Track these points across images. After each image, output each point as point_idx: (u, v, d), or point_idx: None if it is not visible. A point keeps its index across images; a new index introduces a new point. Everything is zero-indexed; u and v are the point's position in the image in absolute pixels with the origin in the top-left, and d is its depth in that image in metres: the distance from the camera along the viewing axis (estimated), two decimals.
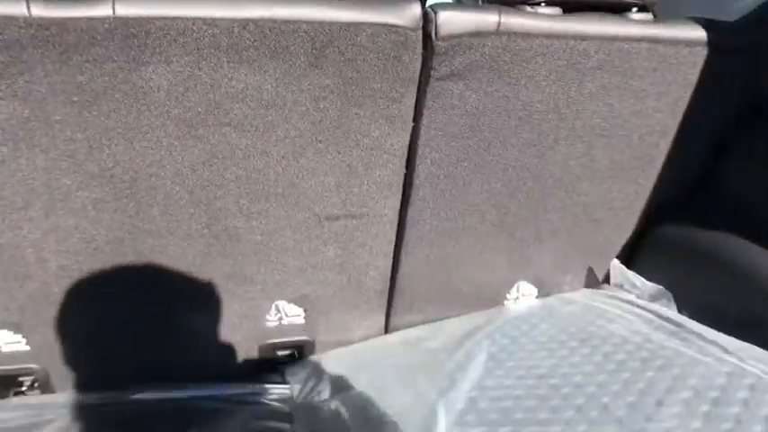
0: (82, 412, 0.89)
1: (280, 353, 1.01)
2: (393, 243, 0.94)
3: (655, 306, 0.97)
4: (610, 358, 0.83)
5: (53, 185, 0.72)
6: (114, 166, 0.72)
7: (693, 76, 0.90)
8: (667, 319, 0.92)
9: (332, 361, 0.94)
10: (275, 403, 0.92)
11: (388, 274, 0.97)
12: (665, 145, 0.99)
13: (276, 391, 0.94)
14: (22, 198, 0.72)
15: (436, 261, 0.98)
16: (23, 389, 0.92)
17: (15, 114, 0.66)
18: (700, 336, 0.85)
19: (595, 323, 0.94)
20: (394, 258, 0.96)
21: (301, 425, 0.82)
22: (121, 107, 0.68)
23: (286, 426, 0.86)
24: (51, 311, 0.83)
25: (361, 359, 0.92)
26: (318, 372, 0.92)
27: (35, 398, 0.91)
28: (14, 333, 0.85)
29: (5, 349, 0.86)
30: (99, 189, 0.74)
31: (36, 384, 0.91)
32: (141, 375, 0.93)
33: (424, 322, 1.04)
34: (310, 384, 0.89)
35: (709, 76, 0.90)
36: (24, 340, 0.86)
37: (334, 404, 0.81)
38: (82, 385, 0.92)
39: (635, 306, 0.98)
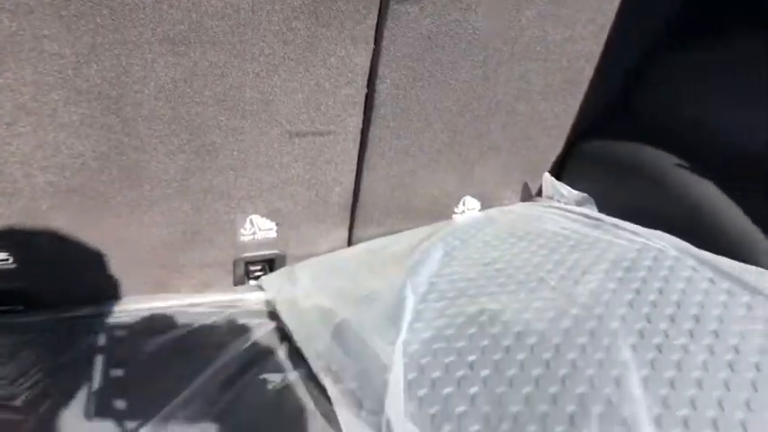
0: (71, 327, 0.95)
1: (252, 267, 1.10)
2: (356, 160, 1.04)
3: (580, 209, 1.13)
4: (543, 247, 0.98)
5: (41, 101, 0.77)
6: (102, 82, 0.78)
7: (616, 3, 1.03)
8: (590, 217, 1.08)
9: (304, 269, 1.04)
10: (255, 306, 1.02)
11: (352, 190, 1.08)
12: (589, 70, 1.13)
13: (254, 297, 1.04)
14: (10, 113, 0.77)
15: (395, 177, 1.09)
16: (8, 308, 0.97)
17: (2, 27, 0.70)
18: (615, 225, 1.02)
19: (531, 224, 1.09)
20: (357, 175, 1.06)
21: (283, 319, 0.92)
22: (108, 23, 0.74)
23: (267, 321, 0.96)
24: (39, 228, 0.88)
25: (331, 263, 1.04)
26: (293, 277, 1.02)
27: (21, 316, 0.97)
28: (1, 251, 0.90)
29: None
30: (86, 105, 0.79)
31: (22, 302, 0.96)
32: (126, 288, 1.00)
33: (382, 235, 1.16)
34: (287, 288, 0.99)
35: (630, 5, 1.04)
36: (11, 258, 0.91)
37: (311, 300, 0.92)
38: (70, 301, 0.98)
39: (564, 210, 1.14)
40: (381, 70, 0.93)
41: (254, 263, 1.09)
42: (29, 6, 0.70)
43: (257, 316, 0.98)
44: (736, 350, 0.74)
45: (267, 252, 1.08)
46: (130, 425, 0.76)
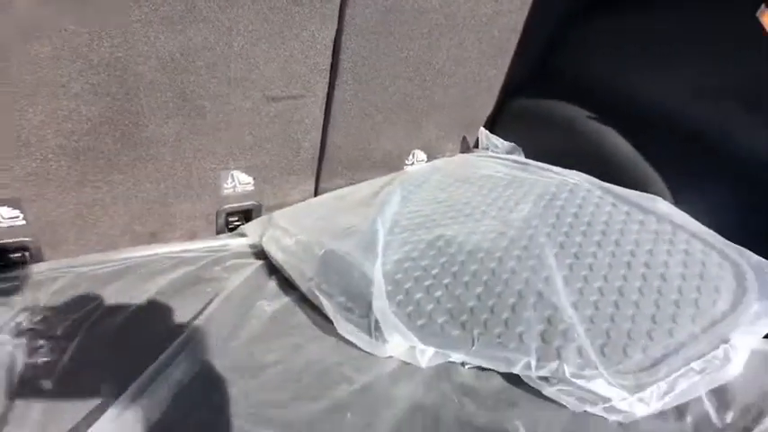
0: (75, 276, 1.06)
1: (231, 218, 1.25)
2: (322, 120, 1.20)
3: (511, 156, 1.35)
4: (483, 187, 1.19)
5: (58, 72, 0.88)
6: (110, 55, 0.89)
7: None
8: (519, 162, 1.30)
9: (281, 216, 1.20)
10: (240, 249, 1.17)
11: (319, 146, 1.24)
12: (515, 39, 1.33)
13: (237, 243, 1.18)
14: (30, 86, 0.87)
15: (355, 135, 1.26)
16: (16, 260, 1.06)
17: (26, 10, 0.81)
18: (539, 167, 1.24)
19: (470, 170, 1.30)
20: (323, 133, 1.22)
21: (271, 255, 1.08)
22: (119, 5, 0.85)
23: (255, 261, 1.12)
24: (49, 187, 0.99)
25: (305, 209, 1.20)
26: (272, 222, 1.17)
27: (27, 268, 1.06)
28: (13, 209, 1.00)
29: (3, 224, 1.00)
30: (96, 76, 0.91)
31: (29, 256, 1.07)
32: (125, 240, 1.13)
33: (345, 185, 1.33)
34: (269, 231, 1.15)
35: None
36: (22, 215, 1.01)
37: (293, 238, 1.09)
38: (73, 252, 1.09)
39: (497, 158, 1.35)
40: (344, 42, 1.09)
41: (232, 214, 1.24)
42: None
43: (244, 257, 1.13)
44: (632, 254, 0.98)
45: (245, 203, 1.23)
46: (153, 352, 0.86)
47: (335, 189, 1.33)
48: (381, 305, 0.85)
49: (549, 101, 1.37)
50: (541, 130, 1.37)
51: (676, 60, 1.19)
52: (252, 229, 1.19)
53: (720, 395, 0.79)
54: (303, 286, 0.98)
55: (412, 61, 1.19)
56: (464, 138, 1.48)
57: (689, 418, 0.77)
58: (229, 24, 0.95)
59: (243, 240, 1.19)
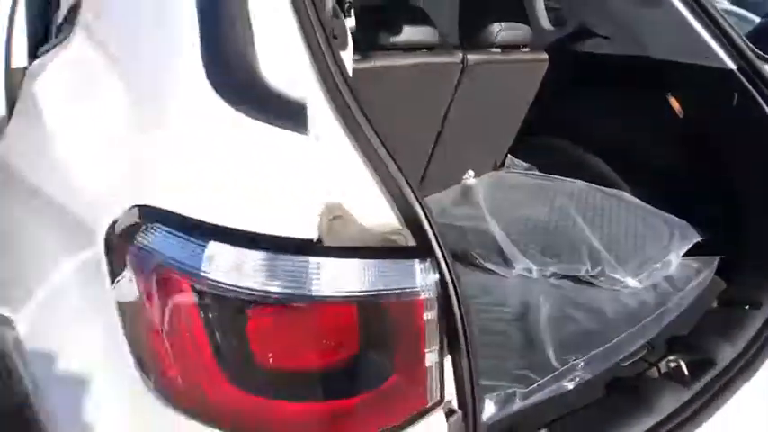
0: None
1: None
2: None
3: (529, 171, 2.22)
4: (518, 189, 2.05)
5: None
6: None
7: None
8: (536, 174, 2.18)
9: None
10: None
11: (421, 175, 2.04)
12: (526, 106, 2.21)
13: None
14: None
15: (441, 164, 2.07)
16: None
17: None
18: (552, 177, 2.12)
19: (512, 180, 2.16)
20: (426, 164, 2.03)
21: None
22: None
23: None
24: None
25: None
26: None
27: None
28: None
29: None
30: None
31: None
32: None
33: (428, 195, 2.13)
34: None
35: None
36: None
37: None
38: None
39: (521, 173, 2.22)
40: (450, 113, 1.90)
41: None
42: None
43: None
44: (611, 212, 1.86)
45: None
46: None
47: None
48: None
49: (549, 138, 2.26)
50: (546, 156, 2.26)
51: (625, 113, 2.10)
52: None
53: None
54: None
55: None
56: (494, 162, 2.33)
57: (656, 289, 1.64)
58: None
59: None
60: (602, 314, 1.51)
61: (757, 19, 5.16)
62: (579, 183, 2.07)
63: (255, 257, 0.66)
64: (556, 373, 1.23)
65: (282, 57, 0.80)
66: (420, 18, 1.77)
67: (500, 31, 1.90)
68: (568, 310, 1.51)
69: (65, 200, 0.88)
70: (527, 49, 2.05)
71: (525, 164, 2.27)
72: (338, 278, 0.66)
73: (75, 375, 0.81)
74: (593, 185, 2.04)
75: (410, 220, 0.75)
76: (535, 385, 1.19)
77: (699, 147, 1.85)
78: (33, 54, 1.20)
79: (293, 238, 0.66)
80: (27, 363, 0.90)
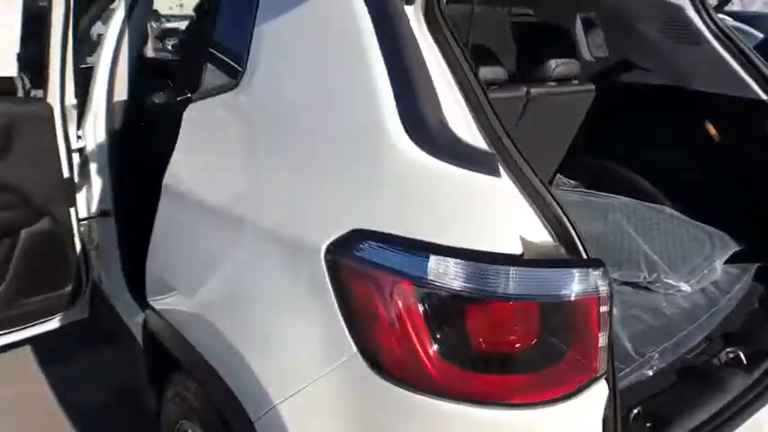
0: None
1: None
2: None
3: (576, 189, 2.47)
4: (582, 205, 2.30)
5: None
6: None
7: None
8: (584, 191, 2.42)
9: None
10: None
11: None
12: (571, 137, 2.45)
13: None
14: None
15: None
16: None
17: None
18: (596, 194, 2.36)
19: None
20: None
21: None
22: None
23: None
24: None
25: None
26: None
27: None
28: None
29: None
30: None
31: None
32: None
33: None
34: None
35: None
36: None
37: None
38: None
39: (568, 190, 2.46)
40: None
41: None
42: None
43: None
44: (658, 224, 2.10)
45: None
46: None
47: None
48: None
49: (594, 158, 2.51)
50: (591, 174, 2.51)
51: (663, 136, 2.35)
52: None
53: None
54: None
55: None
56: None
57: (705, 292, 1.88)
58: None
59: None
60: (662, 314, 1.75)
61: (760, 35, 5.48)
62: (624, 198, 2.31)
63: (467, 267, 0.90)
64: (638, 362, 1.47)
65: (453, 114, 1.06)
66: (492, 60, 2.02)
67: (556, 66, 2.15)
68: (634, 311, 1.75)
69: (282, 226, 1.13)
70: (576, 81, 2.30)
71: (573, 182, 2.52)
72: (528, 281, 0.91)
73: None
74: (638, 201, 2.29)
75: (562, 237, 1.00)
76: (623, 372, 1.43)
77: (732, 167, 2.11)
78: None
79: (498, 253, 0.90)
80: None
